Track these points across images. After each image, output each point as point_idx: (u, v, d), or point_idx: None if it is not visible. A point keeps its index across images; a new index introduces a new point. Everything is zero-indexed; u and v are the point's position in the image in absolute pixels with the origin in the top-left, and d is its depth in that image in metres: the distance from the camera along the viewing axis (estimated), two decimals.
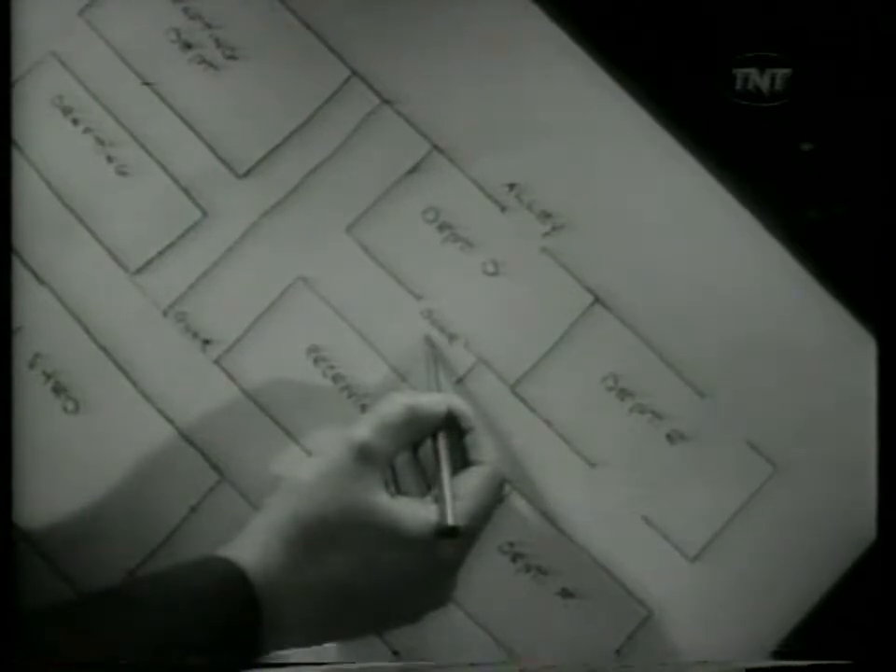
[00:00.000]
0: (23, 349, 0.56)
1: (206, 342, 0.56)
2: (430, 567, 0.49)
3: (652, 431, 0.55)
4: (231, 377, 0.56)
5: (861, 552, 0.53)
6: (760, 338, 0.55)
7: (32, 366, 0.56)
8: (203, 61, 0.58)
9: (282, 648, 0.48)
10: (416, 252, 0.57)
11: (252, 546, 0.48)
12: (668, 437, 0.55)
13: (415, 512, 0.48)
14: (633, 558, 0.54)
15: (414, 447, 0.51)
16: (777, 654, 0.53)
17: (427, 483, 0.51)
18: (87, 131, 0.58)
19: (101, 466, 0.56)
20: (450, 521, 0.47)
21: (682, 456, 0.54)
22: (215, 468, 0.55)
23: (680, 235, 0.56)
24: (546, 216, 0.56)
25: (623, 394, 0.55)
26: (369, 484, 0.48)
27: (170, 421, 0.56)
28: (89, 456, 0.56)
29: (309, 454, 0.55)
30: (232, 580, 0.46)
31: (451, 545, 0.48)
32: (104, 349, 0.57)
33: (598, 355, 0.55)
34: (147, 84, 0.58)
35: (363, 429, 0.49)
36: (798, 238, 0.55)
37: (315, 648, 0.50)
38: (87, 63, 0.58)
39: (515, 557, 0.55)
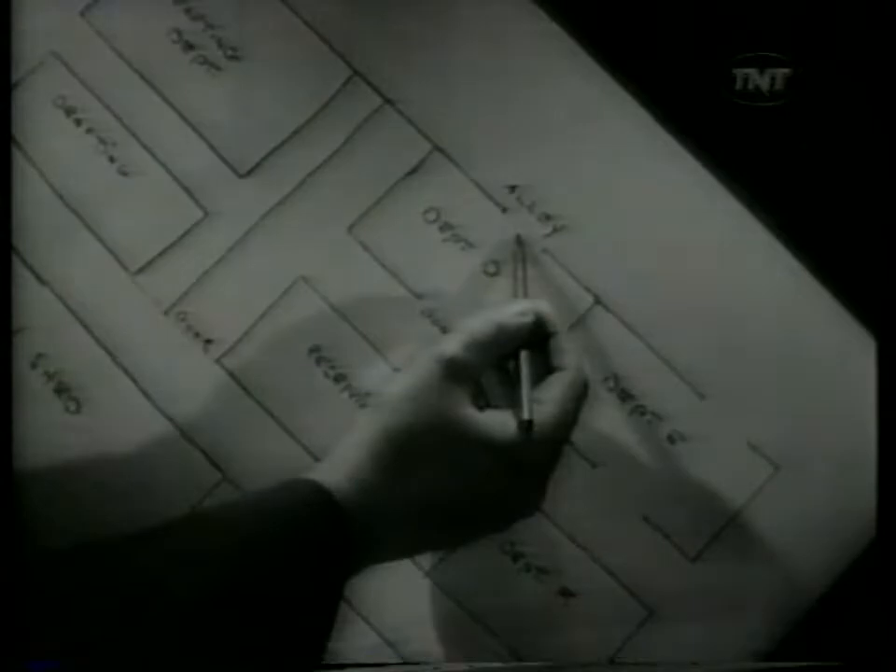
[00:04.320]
0: (25, 350, 0.56)
1: (208, 341, 0.56)
2: (519, 476, 0.49)
3: (653, 432, 0.55)
4: (232, 377, 0.56)
5: (860, 551, 0.54)
6: (760, 338, 0.55)
7: (34, 366, 0.56)
8: (204, 61, 0.58)
9: (374, 563, 0.48)
10: (417, 252, 0.57)
11: (341, 465, 0.47)
12: (669, 437, 0.55)
13: (503, 422, 0.48)
14: (633, 558, 0.54)
15: (502, 360, 0.51)
16: (773, 655, 0.54)
17: (515, 395, 0.50)
18: (89, 131, 0.58)
19: (103, 465, 0.56)
20: (525, 415, 0.48)
21: (683, 457, 0.55)
22: (216, 467, 0.56)
23: (681, 236, 0.56)
24: (547, 217, 0.56)
25: (624, 395, 0.55)
26: (458, 399, 0.48)
27: (171, 420, 0.56)
28: (90, 456, 0.56)
29: (316, 458, 0.55)
30: (318, 499, 0.46)
31: (539, 452, 0.48)
32: (105, 349, 0.57)
33: (599, 356, 0.55)
34: (149, 84, 0.58)
35: (452, 346, 0.48)
36: (798, 238, 0.56)
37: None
38: (88, 64, 0.58)
39: (516, 557, 0.55)
